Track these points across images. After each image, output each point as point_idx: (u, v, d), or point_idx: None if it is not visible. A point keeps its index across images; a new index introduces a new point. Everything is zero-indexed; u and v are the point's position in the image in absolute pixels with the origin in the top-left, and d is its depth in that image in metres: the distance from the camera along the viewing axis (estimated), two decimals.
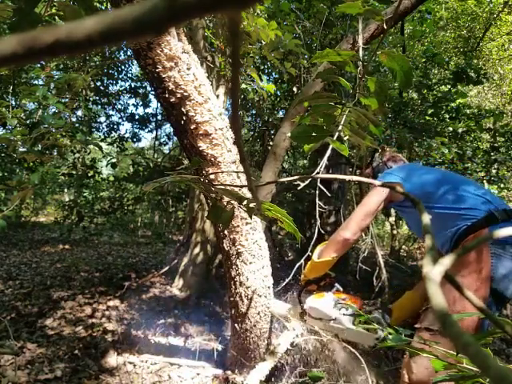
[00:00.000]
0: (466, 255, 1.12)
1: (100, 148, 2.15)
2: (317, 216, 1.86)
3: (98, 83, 6.38)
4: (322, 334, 1.44)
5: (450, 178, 1.38)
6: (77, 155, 5.35)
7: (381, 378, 1.63)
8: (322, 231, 1.98)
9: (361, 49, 0.79)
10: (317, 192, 1.73)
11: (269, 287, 1.61)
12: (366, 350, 1.81)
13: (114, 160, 4.03)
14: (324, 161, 0.85)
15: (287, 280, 1.86)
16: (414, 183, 1.38)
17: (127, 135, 7.15)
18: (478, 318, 1.08)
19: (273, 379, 1.59)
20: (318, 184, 1.72)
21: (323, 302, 1.37)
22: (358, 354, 1.37)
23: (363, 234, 3.02)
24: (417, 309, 1.43)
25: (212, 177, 1.36)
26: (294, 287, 1.79)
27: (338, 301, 1.36)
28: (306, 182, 0.63)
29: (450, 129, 3.73)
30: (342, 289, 1.44)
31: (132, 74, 7.28)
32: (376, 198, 1.39)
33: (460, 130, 3.73)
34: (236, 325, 1.63)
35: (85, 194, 6.13)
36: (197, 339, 2.29)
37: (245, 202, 0.63)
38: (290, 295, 1.81)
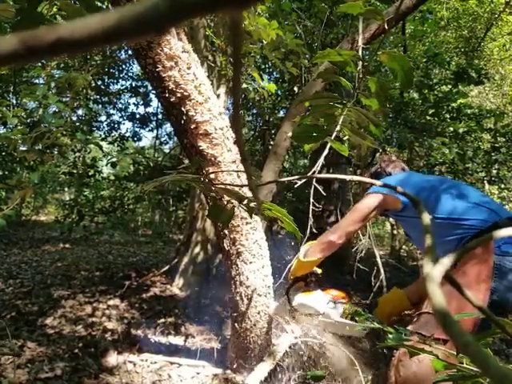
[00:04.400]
0: (474, 251, 1.12)
1: (100, 147, 2.15)
2: (310, 215, 1.86)
3: (99, 82, 6.38)
4: (317, 337, 1.45)
5: (449, 186, 1.35)
6: (77, 154, 5.36)
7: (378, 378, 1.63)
8: (319, 231, 1.98)
9: (360, 48, 0.79)
10: (311, 191, 1.73)
11: (269, 286, 1.61)
12: (365, 349, 1.81)
13: (114, 159, 4.03)
14: (321, 160, 0.85)
15: (279, 281, 1.86)
16: (409, 192, 1.36)
17: (128, 134, 7.16)
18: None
19: (271, 381, 1.59)
20: (314, 183, 1.72)
21: (311, 298, 1.41)
22: (352, 357, 1.38)
23: (361, 235, 3.03)
24: (403, 308, 1.44)
25: (212, 176, 1.36)
26: (282, 286, 1.80)
27: (327, 296, 1.40)
28: (304, 180, 0.64)
29: (451, 129, 3.73)
30: (329, 285, 1.48)
31: (133, 73, 7.29)
32: (368, 205, 1.39)
33: (461, 131, 3.72)
34: (236, 324, 1.63)
35: (85, 193, 6.13)
36: (197, 338, 2.29)
37: (245, 202, 0.63)
38: (278, 294, 1.82)
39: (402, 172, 1.60)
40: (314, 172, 0.82)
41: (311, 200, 1.73)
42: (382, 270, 2.66)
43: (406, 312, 1.45)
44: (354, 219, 1.39)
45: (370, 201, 1.39)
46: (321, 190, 1.77)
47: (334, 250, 1.43)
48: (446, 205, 1.27)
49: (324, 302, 1.38)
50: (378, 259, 2.70)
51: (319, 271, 1.50)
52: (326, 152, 0.77)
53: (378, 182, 0.52)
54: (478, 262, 1.12)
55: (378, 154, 4.09)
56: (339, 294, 1.42)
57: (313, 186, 1.67)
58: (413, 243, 1.85)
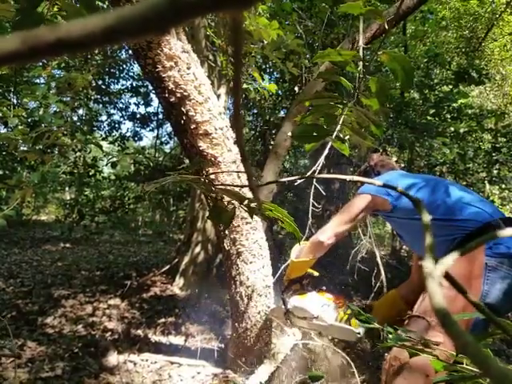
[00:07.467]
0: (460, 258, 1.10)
1: (100, 147, 2.15)
2: (309, 215, 1.86)
3: (100, 82, 6.38)
4: (317, 340, 1.45)
5: (441, 187, 1.33)
6: (78, 154, 5.36)
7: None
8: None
9: (361, 49, 0.79)
10: (311, 191, 1.73)
11: (269, 286, 1.61)
12: (365, 350, 1.81)
13: (114, 159, 4.03)
14: (321, 160, 0.85)
15: (273, 280, 1.85)
16: (415, 180, 1.35)
17: (128, 134, 7.16)
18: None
19: (272, 382, 1.59)
20: (314, 183, 1.72)
21: (306, 301, 1.40)
22: (349, 359, 1.38)
23: (362, 235, 3.02)
24: (397, 310, 1.43)
25: (212, 176, 1.36)
26: (277, 287, 1.80)
27: (322, 299, 1.39)
28: (304, 179, 0.64)
29: (452, 129, 3.73)
30: (325, 287, 1.47)
31: (133, 73, 7.28)
32: (357, 206, 1.38)
33: (461, 131, 3.72)
34: (236, 324, 1.63)
35: (86, 193, 6.13)
36: (197, 338, 2.29)
37: (245, 202, 0.63)
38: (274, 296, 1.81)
39: (391, 171, 1.55)
40: (314, 172, 0.81)
41: (311, 200, 1.73)
42: (382, 271, 2.66)
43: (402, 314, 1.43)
44: (343, 220, 1.38)
45: (359, 202, 1.38)
46: (321, 189, 1.76)
47: (325, 250, 1.42)
48: (438, 205, 1.25)
49: (318, 305, 1.37)
50: (379, 259, 2.69)
51: (315, 273, 1.49)
52: (326, 152, 0.77)
53: (378, 182, 0.51)
54: (467, 261, 1.11)
55: (376, 154, 4.08)
56: (335, 297, 1.42)
57: (313, 186, 1.67)
58: (403, 243, 1.83)
